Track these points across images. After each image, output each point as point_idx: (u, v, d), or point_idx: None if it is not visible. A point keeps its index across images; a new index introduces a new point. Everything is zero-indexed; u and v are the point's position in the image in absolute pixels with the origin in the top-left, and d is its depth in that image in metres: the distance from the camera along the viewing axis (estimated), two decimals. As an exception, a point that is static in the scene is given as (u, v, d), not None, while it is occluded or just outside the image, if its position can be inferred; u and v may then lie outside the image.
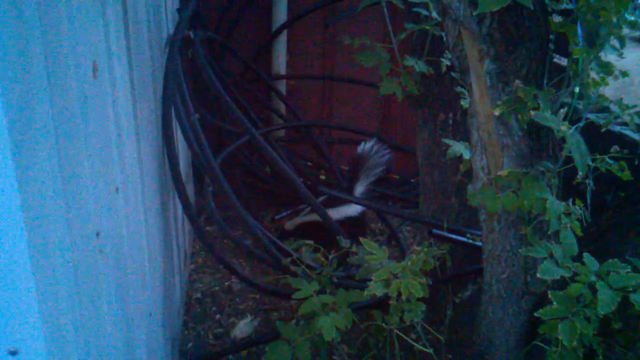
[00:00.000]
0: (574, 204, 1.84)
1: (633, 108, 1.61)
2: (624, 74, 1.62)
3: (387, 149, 3.48)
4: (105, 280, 1.45)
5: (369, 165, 3.40)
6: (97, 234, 1.39)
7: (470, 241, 2.51)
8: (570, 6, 1.69)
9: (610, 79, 1.72)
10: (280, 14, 4.08)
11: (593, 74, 1.72)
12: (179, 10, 3.02)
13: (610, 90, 1.84)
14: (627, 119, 1.62)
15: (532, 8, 1.41)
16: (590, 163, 1.78)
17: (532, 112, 1.58)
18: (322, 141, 4.21)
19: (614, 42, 1.62)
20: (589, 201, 1.91)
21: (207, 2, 3.87)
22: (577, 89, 1.69)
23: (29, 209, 0.96)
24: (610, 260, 1.84)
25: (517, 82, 1.66)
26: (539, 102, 1.62)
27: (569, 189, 1.96)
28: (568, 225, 1.73)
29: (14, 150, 0.91)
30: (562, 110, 1.59)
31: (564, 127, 1.53)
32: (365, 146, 3.44)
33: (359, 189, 3.41)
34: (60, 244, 1.13)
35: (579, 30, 1.74)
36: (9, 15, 0.93)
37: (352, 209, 3.35)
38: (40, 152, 1.05)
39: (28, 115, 1.00)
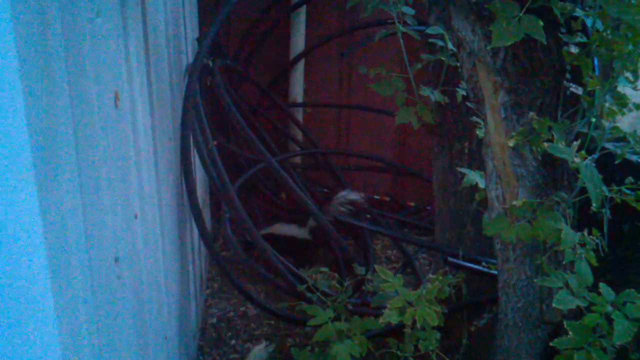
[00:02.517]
0: (590, 233, 1.84)
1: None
2: (638, 106, 1.63)
3: (354, 205, 3.62)
4: (122, 305, 1.47)
5: (328, 209, 3.51)
6: (116, 260, 1.42)
7: (486, 270, 2.51)
8: (584, 39, 1.70)
9: (626, 111, 1.73)
10: (298, 43, 4.14)
11: (608, 105, 1.73)
12: (198, 40, 3.07)
13: (628, 118, 1.85)
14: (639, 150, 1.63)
15: (545, 42, 1.43)
16: (607, 193, 1.79)
17: (546, 144, 1.59)
18: (339, 168, 4.23)
19: (628, 74, 1.64)
20: (605, 230, 1.91)
21: (227, 31, 3.94)
22: (593, 120, 1.70)
23: (50, 235, 0.99)
24: (626, 291, 1.83)
25: (532, 113, 1.67)
26: (554, 133, 1.63)
27: (585, 218, 1.96)
28: (583, 256, 1.73)
29: (37, 178, 0.94)
30: (575, 143, 1.60)
31: (577, 159, 1.54)
32: (342, 194, 3.59)
33: (312, 222, 3.52)
34: (80, 270, 1.16)
35: (595, 62, 1.76)
36: (36, 45, 0.97)
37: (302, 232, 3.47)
38: (62, 180, 1.07)
39: (51, 143, 1.03)
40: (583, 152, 1.66)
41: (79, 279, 1.15)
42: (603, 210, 1.90)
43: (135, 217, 1.64)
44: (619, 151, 1.90)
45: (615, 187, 1.79)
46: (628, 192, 1.83)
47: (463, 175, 2.32)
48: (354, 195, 3.61)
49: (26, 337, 1.00)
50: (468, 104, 2.35)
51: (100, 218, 1.31)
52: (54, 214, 1.02)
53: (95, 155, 1.30)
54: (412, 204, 4.48)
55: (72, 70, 1.13)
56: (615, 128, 1.71)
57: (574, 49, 1.77)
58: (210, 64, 2.92)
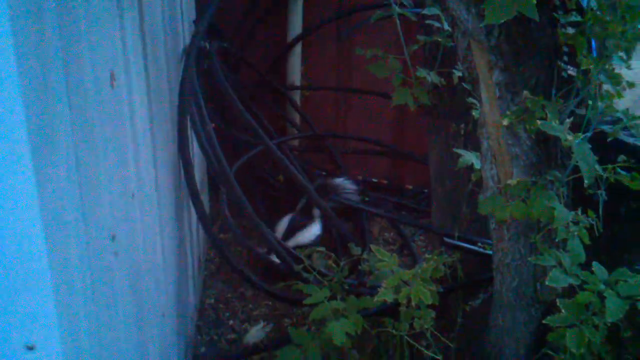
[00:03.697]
0: (585, 213, 1.86)
1: (640, 118, 1.63)
2: (630, 84, 1.64)
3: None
4: (119, 281, 1.49)
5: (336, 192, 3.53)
6: (113, 238, 1.43)
7: (481, 250, 2.53)
8: (578, 18, 1.71)
9: (623, 92, 1.74)
10: (296, 26, 4.13)
11: (608, 87, 1.74)
12: (195, 22, 3.07)
13: (627, 102, 1.86)
14: (632, 130, 1.64)
15: (538, 20, 1.44)
16: (602, 173, 1.80)
17: (539, 122, 1.60)
18: (336, 151, 4.24)
19: (622, 54, 1.65)
20: (601, 212, 1.93)
21: (224, 14, 3.93)
22: (590, 102, 1.71)
23: (47, 211, 1.00)
24: (619, 269, 1.85)
25: (526, 92, 1.68)
26: (547, 112, 1.64)
27: (582, 200, 1.97)
28: (575, 233, 1.75)
29: (33, 156, 0.95)
30: (568, 120, 1.61)
31: (569, 137, 1.55)
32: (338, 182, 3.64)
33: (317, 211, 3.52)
34: (77, 246, 1.17)
35: (593, 42, 1.76)
36: (30, 24, 0.97)
37: (311, 234, 3.45)
38: (58, 158, 1.08)
39: (47, 123, 1.04)
40: (580, 134, 1.67)
41: (76, 254, 1.16)
42: (599, 192, 1.91)
43: (132, 196, 1.65)
44: (612, 130, 1.92)
45: (610, 166, 1.81)
46: (623, 172, 1.85)
47: (459, 156, 2.34)
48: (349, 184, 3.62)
49: (24, 315, 1.01)
50: (464, 84, 2.37)
51: (96, 196, 1.32)
52: (51, 191, 1.03)
53: (92, 134, 1.31)
54: (410, 187, 4.49)
55: (67, 48, 1.14)
56: (609, 107, 1.72)
57: (572, 31, 1.77)
58: (207, 46, 2.92)
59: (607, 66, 1.69)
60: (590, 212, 1.88)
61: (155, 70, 2.05)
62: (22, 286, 1.00)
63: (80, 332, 1.18)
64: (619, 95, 1.77)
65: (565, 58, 1.83)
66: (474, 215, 2.68)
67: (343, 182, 3.62)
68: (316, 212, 3.49)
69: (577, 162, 1.62)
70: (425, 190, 4.23)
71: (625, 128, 1.82)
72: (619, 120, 1.95)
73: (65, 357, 1.07)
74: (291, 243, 3.19)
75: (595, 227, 1.88)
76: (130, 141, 1.66)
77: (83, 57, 1.26)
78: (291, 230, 3.32)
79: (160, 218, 2.06)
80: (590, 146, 1.75)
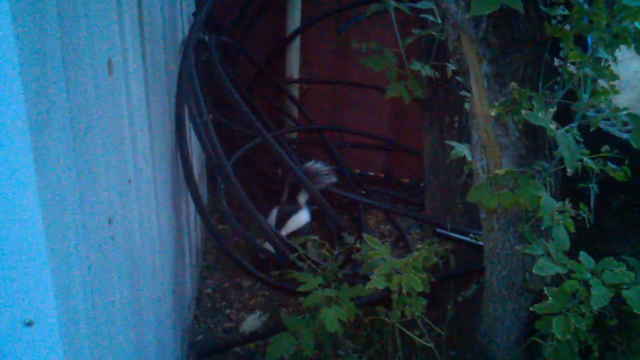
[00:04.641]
0: (576, 205, 1.89)
1: (623, 110, 1.66)
2: (615, 77, 1.68)
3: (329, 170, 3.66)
4: (116, 264, 1.52)
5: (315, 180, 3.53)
6: (110, 221, 1.47)
7: (473, 241, 2.56)
8: (566, 12, 1.74)
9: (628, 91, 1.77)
10: (294, 20, 4.15)
11: (603, 83, 1.77)
12: (194, 14, 3.10)
13: (628, 101, 1.89)
14: (615, 120, 1.67)
15: (522, 12, 1.47)
16: (593, 166, 1.83)
17: (523, 112, 1.64)
18: (334, 144, 4.27)
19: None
20: (592, 204, 1.96)
21: (222, 7, 3.96)
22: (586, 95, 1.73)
23: (45, 192, 1.03)
24: (605, 259, 1.88)
25: (513, 84, 1.72)
26: (534, 103, 1.68)
27: (577, 193, 2.01)
28: (561, 222, 1.78)
29: (32, 140, 0.98)
30: (550, 110, 1.64)
31: (552, 126, 1.58)
32: (312, 166, 3.62)
33: (303, 198, 3.56)
34: (74, 227, 1.20)
35: (589, 39, 1.79)
36: (29, 11, 1.01)
37: (302, 220, 3.48)
38: (56, 142, 1.11)
39: (46, 108, 1.07)
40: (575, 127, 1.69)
41: (73, 235, 1.19)
42: (590, 185, 1.95)
43: (129, 182, 1.69)
44: (611, 128, 1.95)
45: (600, 156, 1.85)
46: (614, 166, 1.88)
47: (452, 148, 2.37)
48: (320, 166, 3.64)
49: (23, 292, 1.05)
50: (458, 78, 2.40)
51: (94, 180, 1.36)
52: (49, 173, 1.06)
53: (89, 120, 1.34)
54: (407, 180, 4.53)
55: (65, 35, 1.17)
56: (595, 99, 1.75)
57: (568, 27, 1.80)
58: (206, 38, 2.94)
59: (602, 63, 1.72)
60: (582, 205, 1.92)
61: (153, 58, 2.08)
62: (21, 265, 1.03)
63: (77, 310, 1.21)
64: (615, 91, 1.80)
65: (561, 54, 1.86)
66: (467, 207, 2.72)
67: (315, 166, 3.62)
68: (302, 200, 3.53)
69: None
70: (422, 184, 4.26)
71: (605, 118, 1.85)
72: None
73: (61, 333, 1.10)
74: (284, 232, 3.23)
75: (586, 220, 1.91)
76: (127, 128, 1.70)
77: (81, 44, 1.29)
78: (281, 220, 3.36)
79: (157, 205, 2.09)
80: (582, 139, 1.79)
